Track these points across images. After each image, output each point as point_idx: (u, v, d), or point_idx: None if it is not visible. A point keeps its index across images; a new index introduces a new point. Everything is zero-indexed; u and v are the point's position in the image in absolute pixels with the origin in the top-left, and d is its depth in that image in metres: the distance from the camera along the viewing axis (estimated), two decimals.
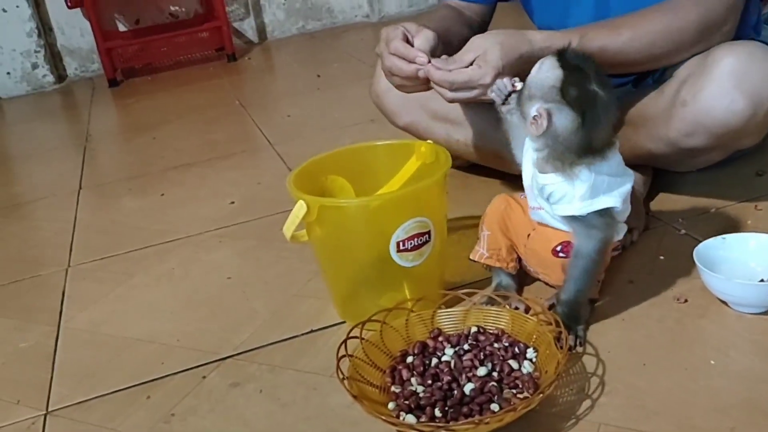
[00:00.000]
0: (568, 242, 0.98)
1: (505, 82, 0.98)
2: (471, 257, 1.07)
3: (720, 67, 1.07)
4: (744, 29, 1.18)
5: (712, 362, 0.89)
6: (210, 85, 2.86)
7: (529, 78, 0.93)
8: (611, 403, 0.85)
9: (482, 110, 1.32)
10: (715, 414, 0.82)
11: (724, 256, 1.03)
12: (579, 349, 0.94)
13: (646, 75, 1.33)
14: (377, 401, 0.87)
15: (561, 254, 0.99)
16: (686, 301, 1.02)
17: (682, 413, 0.82)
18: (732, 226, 1.19)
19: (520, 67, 1.04)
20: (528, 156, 0.97)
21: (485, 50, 1.02)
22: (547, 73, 0.90)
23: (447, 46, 1.16)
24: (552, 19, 1.32)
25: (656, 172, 1.34)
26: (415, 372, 0.91)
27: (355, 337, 0.94)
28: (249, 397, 0.96)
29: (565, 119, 0.89)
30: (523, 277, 1.10)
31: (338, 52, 3.11)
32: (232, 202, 1.64)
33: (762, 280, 0.98)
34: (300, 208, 0.99)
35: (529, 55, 1.05)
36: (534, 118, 0.90)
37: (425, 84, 1.09)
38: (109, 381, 1.04)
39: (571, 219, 0.95)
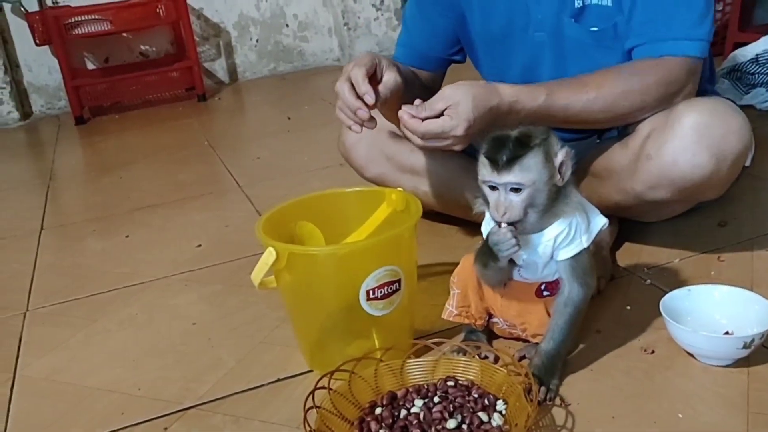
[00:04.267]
0: (552, 282, 0.99)
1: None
2: (443, 316, 1.06)
3: (683, 122, 1.10)
4: (700, 82, 1.21)
5: (680, 416, 0.89)
6: (179, 125, 2.85)
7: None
8: None
9: (448, 162, 1.34)
10: None
11: (689, 308, 1.04)
12: (549, 402, 0.94)
13: (610, 128, 1.36)
14: None
15: (546, 292, 1.00)
16: (653, 352, 1.02)
17: None
18: (696, 276, 1.21)
19: (490, 120, 1.06)
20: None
21: (457, 102, 1.03)
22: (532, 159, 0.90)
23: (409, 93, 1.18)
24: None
25: (621, 222, 1.36)
26: (383, 424, 0.89)
27: (323, 388, 0.92)
28: None
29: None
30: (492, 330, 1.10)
31: (309, 94, 3.13)
32: (199, 245, 1.61)
33: (727, 332, 1.00)
34: (269, 255, 0.98)
35: (498, 108, 1.06)
36: (560, 166, 0.91)
37: (362, 123, 1.10)
38: None
39: (570, 264, 0.95)
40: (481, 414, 0.89)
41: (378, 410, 0.92)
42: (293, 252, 0.99)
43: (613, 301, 1.17)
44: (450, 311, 1.06)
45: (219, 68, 3.50)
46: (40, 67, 3.19)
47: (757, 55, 2.09)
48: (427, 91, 1.42)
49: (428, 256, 1.35)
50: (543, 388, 0.93)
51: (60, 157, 2.57)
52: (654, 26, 1.14)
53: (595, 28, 1.20)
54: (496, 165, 0.90)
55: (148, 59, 3.32)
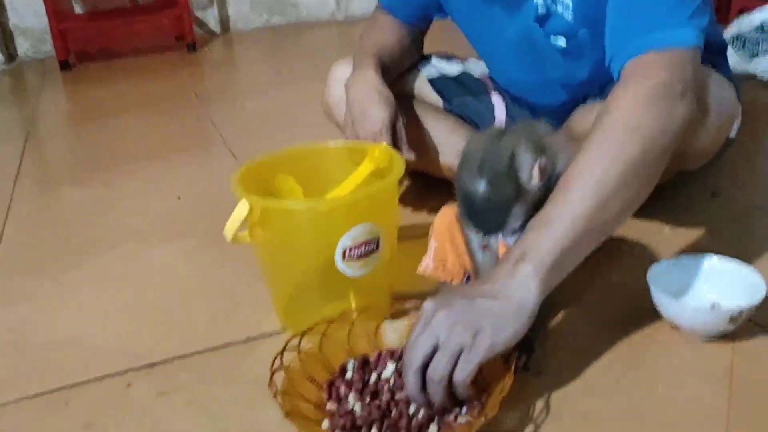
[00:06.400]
0: None
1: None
2: (418, 270, 1.03)
3: None
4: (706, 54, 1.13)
5: (660, 390, 0.86)
6: (167, 76, 2.78)
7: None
8: (556, 428, 0.82)
9: (436, 123, 1.31)
10: None
11: (677, 279, 1.00)
12: (527, 371, 0.91)
13: (595, 94, 1.31)
14: (312, 419, 0.82)
15: None
16: (637, 323, 0.99)
17: None
18: (686, 247, 1.17)
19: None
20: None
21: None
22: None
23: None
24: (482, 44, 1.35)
25: None
26: (353, 388, 0.86)
27: (292, 349, 0.89)
28: (176, 408, 0.90)
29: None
30: None
31: (301, 48, 3.05)
32: (179, 198, 1.57)
33: (714, 305, 0.96)
34: (242, 208, 0.94)
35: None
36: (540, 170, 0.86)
37: None
38: (26, 386, 0.97)
39: None
40: None
41: (348, 374, 0.89)
42: (267, 206, 0.95)
43: (599, 271, 1.13)
44: (427, 264, 1.02)
45: (211, 18, 3.41)
46: (26, 8, 3.09)
47: (762, 22, 2.02)
48: (415, 51, 1.43)
49: (412, 218, 1.31)
50: (522, 356, 0.90)
51: (43, 104, 2.50)
52: (628, 27, 0.94)
53: (562, 44, 1.16)
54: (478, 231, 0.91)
55: (138, 5, 3.22)
